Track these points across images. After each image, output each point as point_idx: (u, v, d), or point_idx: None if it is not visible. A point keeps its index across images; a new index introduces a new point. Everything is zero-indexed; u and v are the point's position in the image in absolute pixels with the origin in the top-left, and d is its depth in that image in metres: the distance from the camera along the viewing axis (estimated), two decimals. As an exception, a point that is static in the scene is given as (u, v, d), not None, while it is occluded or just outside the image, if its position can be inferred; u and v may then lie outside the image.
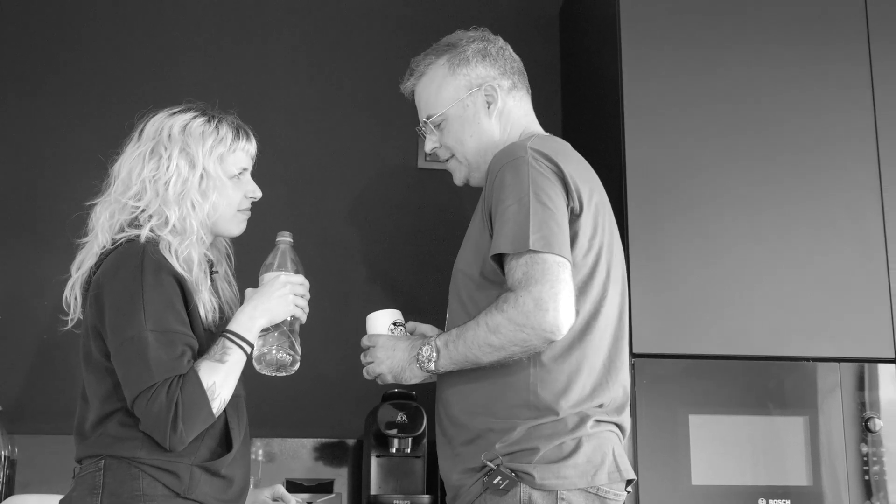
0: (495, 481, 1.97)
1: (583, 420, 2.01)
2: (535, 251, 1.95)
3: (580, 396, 2.02)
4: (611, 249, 2.14)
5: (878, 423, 2.69)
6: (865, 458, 2.68)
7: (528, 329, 1.93)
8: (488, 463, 1.99)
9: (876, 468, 2.67)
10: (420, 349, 2.07)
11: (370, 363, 2.18)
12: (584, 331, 2.05)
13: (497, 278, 2.04)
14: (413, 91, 2.33)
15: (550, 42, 3.49)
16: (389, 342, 2.17)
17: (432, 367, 2.05)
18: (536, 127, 2.31)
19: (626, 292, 2.20)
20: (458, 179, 2.32)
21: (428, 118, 2.28)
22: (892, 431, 2.70)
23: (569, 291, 1.95)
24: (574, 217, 2.05)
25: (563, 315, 1.93)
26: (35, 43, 3.21)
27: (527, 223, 1.96)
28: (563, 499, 1.96)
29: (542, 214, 1.98)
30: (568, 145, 2.22)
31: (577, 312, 2.02)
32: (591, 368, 2.05)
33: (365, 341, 2.22)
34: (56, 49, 3.22)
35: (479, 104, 2.25)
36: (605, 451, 2.02)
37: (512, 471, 1.97)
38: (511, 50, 2.34)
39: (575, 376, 2.02)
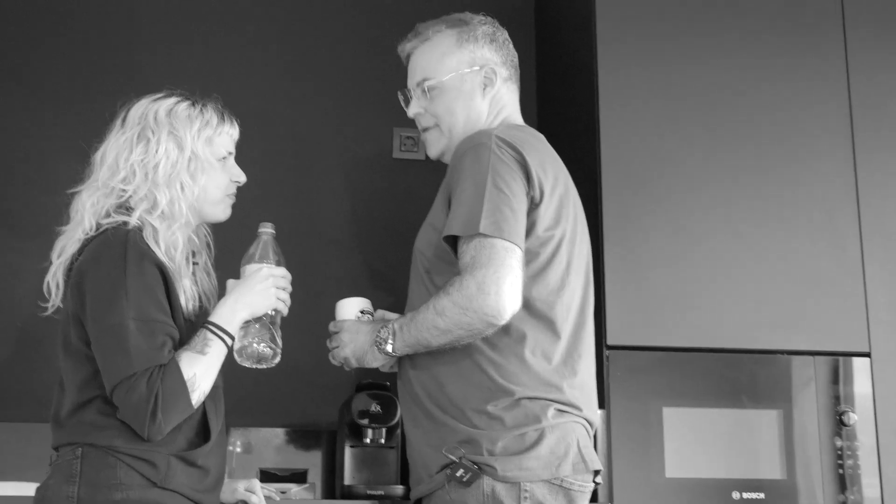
0: (458, 474, 1.97)
1: (543, 410, 2.01)
2: (484, 235, 1.97)
3: (537, 384, 2.02)
4: (573, 241, 2.15)
5: (853, 417, 2.70)
6: (839, 452, 2.69)
7: (471, 312, 1.95)
8: (450, 456, 1.99)
9: (850, 462, 2.68)
10: (379, 332, 2.09)
11: (335, 348, 2.21)
12: (539, 318, 2.05)
13: (451, 259, 2.05)
14: (410, 53, 2.32)
15: (526, 33, 3.48)
16: (354, 326, 2.19)
17: (389, 349, 2.08)
18: (518, 119, 2.32)
19: (591, 285, 2.21)
20: (434, 151, 2.31)
21: (424, 80, 2.27)
22: (866, 425, 2.71)
23: (514, 277, 1.97)
24: (534, 206, 2.06)
25: (505, 299, 1.95)
26: (13, 31, 3.19)
27: (479, 207, 1.98)
28: (526, 490, 1.96)
29: (496, 200, 1.99)
30: (539, 136, 2.23)
31: (533, 299, 2.04)
32: (547, 358, 2.05)
33: (331, 326, 2.25)
34: (35, 37, 3.20)
35: (476, 83, 2.25)
36: (569, 441, 2.02)
37: (474, 463, 1.97)
38: (512, 44, 2.35)
39: (529, 364, 2.03)
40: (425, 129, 2.32)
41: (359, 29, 3.37)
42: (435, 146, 2.31)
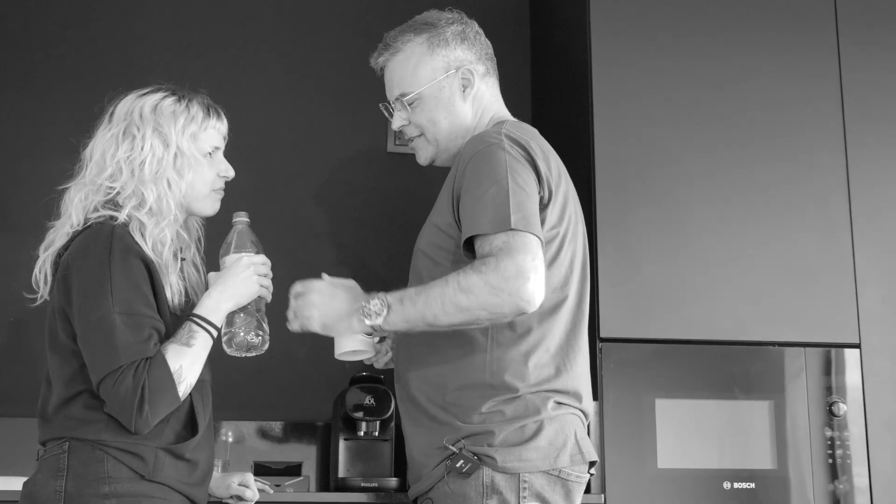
0: (458, 465, 1.97)
1: (543, 402, 2.02)
2: (515, 230, 1.94)
3: (538, 378, 2.03)
4: (575, 238, 2.15)
5: (843, 408, 2.72)
6: (830, 442, 2.70)
7: (504, 294, 1.89)
8: (450, 447, 2.00)
9: (840, 452, 2.70)
10: (367, 302, 1.98)
11: (300, 307, 2.07)
12: (543, 315, 2.05)
13: (458, 259, 2.04)
14: (384, 67, 2.28)
15: (521, 27, 3.49)
16: (328, 289, 2.07)
17: (379, 321, 1.96)
18: (505, 112, 2.31)
19: (587, 280, 2.20)
20: (424, 159, 2.30)
21: (402, 95, 2.24)
22: (855, 416, 2.73)
23: (544, 270, 1.95)
24: (542, 206, 2.05)
25: (540, 289, 1.92)
26: (5, 28, 3.19)
27: (507, 204, 1.95)
28: (525, 481, 1.97)
29: (520, 197, 1.97)
30: (537, 132, 2.22)
31: None
32: (548, 351, 2.05)
33: (297, 286, 2.11)
34: (24, 33, 3.19)
35: (454, 87, 2.23)
36: (567, 433, 2.03)
37: (474, 454, 1.98)
38: (484, 35, 2.33)
39: (531, 357, 2.03)
40: (411, 139, 2.30)
41: (351, 21, 3.36)
42: (423, 154, 2.29)
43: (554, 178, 2.09)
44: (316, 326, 2.05)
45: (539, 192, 2.04)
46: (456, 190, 2.07)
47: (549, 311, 2.06)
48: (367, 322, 1.98)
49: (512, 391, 2.00)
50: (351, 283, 2.13)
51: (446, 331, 2.00)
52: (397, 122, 2.28)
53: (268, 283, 2.16)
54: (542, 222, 2.04)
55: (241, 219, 2.20)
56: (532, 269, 1.90)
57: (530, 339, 2.04)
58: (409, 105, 2.24)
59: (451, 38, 2.24)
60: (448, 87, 2.23)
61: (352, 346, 2.12)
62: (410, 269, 2.21)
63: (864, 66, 2.92)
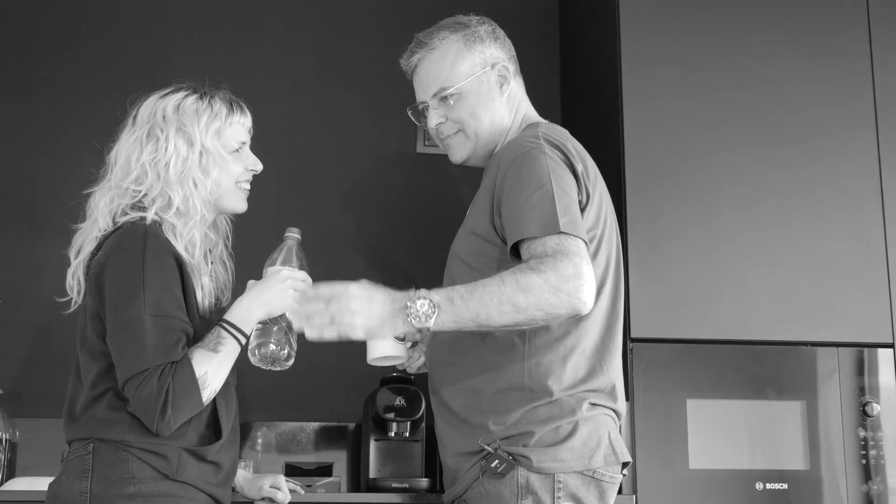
0: (493, 465, 1.97)
1: (578, 403, 2.02)
2: (565, 233, 1.93)
3: (574, 380, 2.03)
4: (610, 239, 2.15)
5: (876, 408, 2.70)
6: (863, 443, 2.68)
7: (563, 294, 1.87)
8: (486, 447, 2.00)
9: (873, 452, 2.68)
10: (413, 303, 1.88)
11: (338, 313, 1.90)
12: (579, 318, 2.03)
13: (498, 264, 2.03)
14: (417, 65, 2.27)
15: (550, 27, 3.48)
16: (362, 292, 1.91)
17: (430, 324, 1.87)
18: (534, 114, 2.31)
19: (622, 280, 2.20)
20: (460, 156, 2.28)
21: (441, 90, 2.22)
22: (889, 416, 2.70)
23: (593, 274, 1.95)
24: (581, 208, 2.05)
25: (593, 292, 1.92)
26: (29, 33, 3.22)
27: (553, 208, 1.95)
28: (560, 481, 1.97)
29: (565, 201, 1.98)
30: (569, 134, 2.22)
31: None
32: (584, 353, 2.06)
33: (326, 291, 1.94)
34: (50, 38, 3.23)
35: (492, 82, 2.24)
36: (601, 434, 2.03)
37: (509, 454, 1.98)
38: (508, 39, 2.34)
39: (568, 360, 2.03)
40: (445, 137, 2.28)
41: (381, 23, 3.37)
42: (460, 151, 2.27)
43: (591, 179, 2.10)
44: (360, 334, 1.91)
45: (578, 196, 2.05)
46: (497, 195, 2.06)
47: (586, 313, 2.05)
48: (416, 324, 1.88)
49: (549, 394, 2.01)
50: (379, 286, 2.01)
51: (493, 331, 1.99)
52: (434, 119, 2.25)
53: None
54: None
55: (292, 235, 2.19)
56: (587, 271, 1.91)
57: (567, 342, 2.04)
58: (447, 100, 2.23)
59: (484, 36, 2.25)
60: (487, 83, 2.23)
61: (385, 351, 2.13)
62: (445, 274, 2.20)
63: (896, 65, 2.90)
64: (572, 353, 2.04)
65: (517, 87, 2.29)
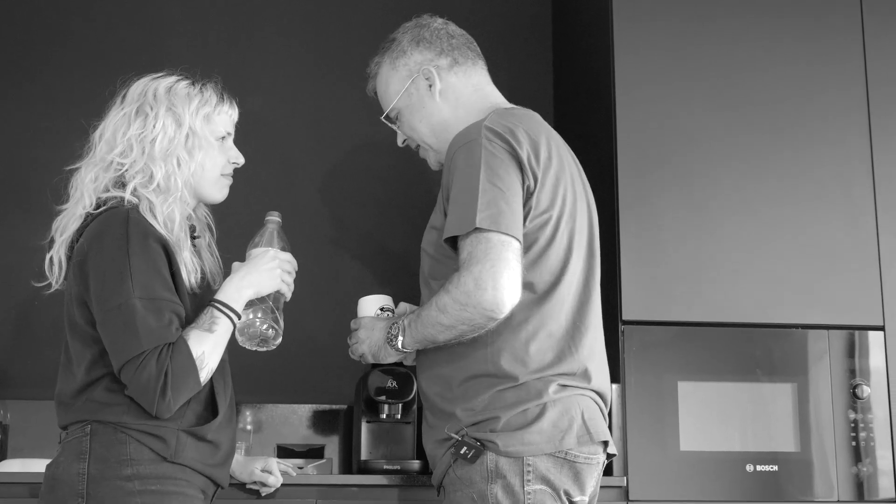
0: (462, 451, 2.00)
1: (545, 385, 2.02)
2: (481, 229, 1.97)
3: (540, 363, 2.04)
4: (573, 216, 2.14)
5: (866, 390, 2.71)
6: (853, 425, 2.70)
7: (471, 308, 1.95)
8: (453, 434, 2.02)
9: (863, 434, 2.69)
10: (390, 328, 2.13)
11: (354, 343, 2.26)
12: (541, 300, 2.06)
13: (454, 260, 2.05)
14: (376, 92, 2.39)
15: (543, 13, 3.47)
16: (370, 323, 2.25)
17: (399, 345, 2.11)
18: (495, 97, 2.31)
19: (596, 256, 2.21)
20: (433, 165, 2.35)
21: (388, 114, 2.33)
22: (879, 398, 2.72)
23: (511, 270, 1.97)
24: (529, 194, 2.06)
25: (502, 293, 1.95)
26: (15, 14, 3.19)
27: (474, 203, 1.98)
28: (529, 464, 1.98)
29: (490, 194, 1.99)
30: (528, 113, 2.21)
31: (535, 283, 2.05)
32: (551, 336, 2.06)
33: (352, 324, 2.30)
34: (36, 18, 3.20)
35: (421, 89, 2.28)
36: (572, 414, 2.03)
37: (477, 440, 2.00)
38: (453, 26, 2.34)
39: (531, 344, 2.04)
40: (417, 151, 2.38)
41: (377, 11, 3.35)
42: (430, 161, 2.36)
43: (542, 161, 2.09)
44: (370, 359, 2.24)
45: (524, 183, 2.05)
46: (444, 189, 2.10)
47: (548, 294, 2.07)
48: (393, 347, 2.13)
49: (513, 379, 2.02)
50: (402, 306, 2.33)
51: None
52: (399, 138, 2.38)
53: (290, 280, 2.18)
54: (531, 209, 2.05)
55: (273, 218, 2.22)
56: (489, 276, 1.94)
57: (529, 326, 2.05)
58: (396, 121, 2.33)
59: (406, 47, 2.31)
60: (416, 92, 2.29)
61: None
62: (420, 267, 2.23)
63: (888, 52, 2.90)
64: (535, 337, 2.04)
65: (456, 78, 2.29)
